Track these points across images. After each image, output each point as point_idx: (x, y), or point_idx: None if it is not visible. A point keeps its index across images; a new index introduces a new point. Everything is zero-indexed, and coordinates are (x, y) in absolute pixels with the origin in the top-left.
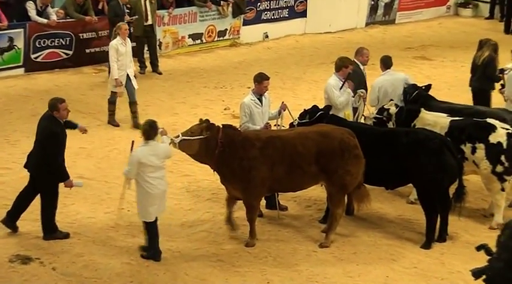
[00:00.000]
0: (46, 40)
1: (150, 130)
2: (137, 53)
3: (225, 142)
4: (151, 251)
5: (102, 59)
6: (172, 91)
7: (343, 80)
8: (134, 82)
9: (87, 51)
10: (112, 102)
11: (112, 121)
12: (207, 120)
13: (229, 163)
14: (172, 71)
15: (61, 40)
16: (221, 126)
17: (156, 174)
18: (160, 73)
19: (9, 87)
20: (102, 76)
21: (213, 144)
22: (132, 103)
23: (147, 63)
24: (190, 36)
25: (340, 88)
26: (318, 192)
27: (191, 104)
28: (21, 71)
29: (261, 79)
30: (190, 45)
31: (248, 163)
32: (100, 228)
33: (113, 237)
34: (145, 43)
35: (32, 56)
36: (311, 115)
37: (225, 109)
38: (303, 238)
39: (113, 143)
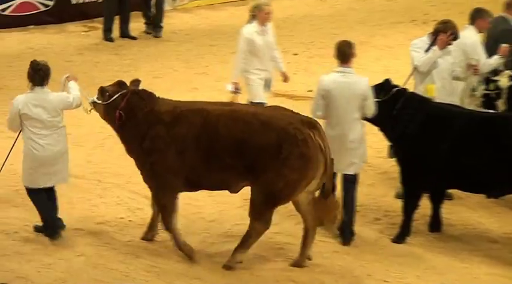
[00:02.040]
0: None
1: (34, 74)
2: (143, 5)
3: (126, 114)
4: (45, 227)
5: (94, 12)
6: (189, 58)
7: (434, 40)
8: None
9: (74, 1)
10: None
11: None
12: (136, 81)
13: (131, 142)
14: (191, 30)
15: None
16: (132, 91)
17: (44, 132)
18: (157, 37)
19: None
20: (93, 36)
21: (114, 115)
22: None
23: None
24: None
25: (427, 50)
26: (389, 198)
27: (215, 76)
28: None
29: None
30: None
31: (150, 144)
32: (90, 245)
33: (108, 258)
34: None
35: None
36: (384, 93)
37: None
38: (369, 263)
39: (109, 128)
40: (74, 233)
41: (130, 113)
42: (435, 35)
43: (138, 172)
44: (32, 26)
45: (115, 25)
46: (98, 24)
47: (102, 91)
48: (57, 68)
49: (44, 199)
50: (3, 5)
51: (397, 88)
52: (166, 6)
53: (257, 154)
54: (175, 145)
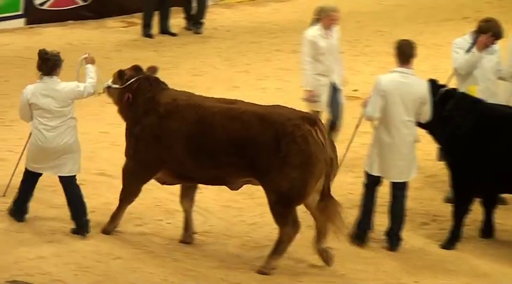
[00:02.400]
0: None
1: (42, 64)
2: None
3: (133, 98)
4: (14, 207)
5: (134, 7)
6: (231, 56)
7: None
8: (341, 95)
9: None
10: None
11: None
12: (153, 68)
13: (128, 126)
14: (232, 26)
15: None
16: (145, 76)
17: (52, 123)
18: (198, 33)
19: (5, 45)
20: (133, 31)
21: (124, 98)
22: (334, 127)
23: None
24: None
25: (468, 50)
26: (438, 202)
27: (258, 74)
28: (21, 22)
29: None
30: None
31: (139, 131)
32: (127, 248)
33: (146, 261)
34: None
35: (36, 2)
36: (431, 94)
37: None
38: (417, 269)
39: None
40: (110, 236)
41: (136, 97)
42: (477, 35)
43: None
44: (70, 21)
45: (155, 21)
46: (137, 19)
47: (120, 74)
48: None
49: (31, 183)
50: None
51: (445, 89)
52: (208, 1)
53: (256, 151)
54: (164, 138)
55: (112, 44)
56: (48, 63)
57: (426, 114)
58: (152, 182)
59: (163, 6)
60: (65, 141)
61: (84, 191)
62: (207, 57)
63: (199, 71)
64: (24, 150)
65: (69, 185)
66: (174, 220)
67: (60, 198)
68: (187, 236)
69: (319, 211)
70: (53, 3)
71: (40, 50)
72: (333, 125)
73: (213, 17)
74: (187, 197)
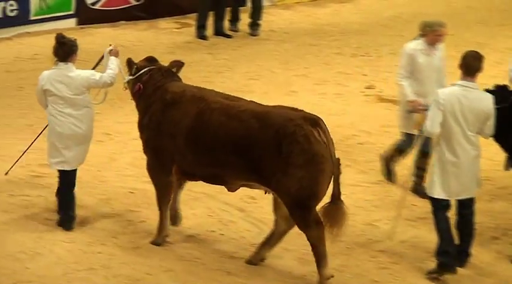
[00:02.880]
0: None
1: (58, 48)
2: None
3: (144, 89)
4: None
5: (188, 7)
6: (289, 59)
7: None
8: None
9: None
10: (400, 150)
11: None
12: (177, 62)
13: (139, 118)
14: (290, 28)
15: None
16: (157, 67)
17: (66, 110)
18: (254, 35)
19: None
20: (186, 33)
21: (135, 89)
22: (424, 157)
23: (244, 17)
24: None
25: None
26: (510, 215)
27: (316, 78)
28: (72, 22)
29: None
30: None
31: (147, 120)
32: (179, 260)
33: (198, 275)
34: None
35: (88, 1)
36: (499, 100)
37: (367, 88)
38: None
39: None
40: (161, 247)
41: (146, 87)
42: None
43: None
44: (122, 21)
45: (209, 22)
46: (191, 20)
47: (129, 63)
48: None
49: (66, 182)
50: None
51: None
52: (265, 2)
53: (256, 153)
54: (167, 126)
55: (165, 46)
56: (64, 48)
57: (489, 130)
58: (204, 191)
59: (219, 6)
60: (80, 131)
61: (134, 200)
62: (263, 60)
63: (255, 74)
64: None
65: (72, 175)
66: (227, 231)
67: (112, 207)
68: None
69: (325, 214)
70: (105, 3)
71: (57, 34)
72: (423, 155)
73: (270, 18)
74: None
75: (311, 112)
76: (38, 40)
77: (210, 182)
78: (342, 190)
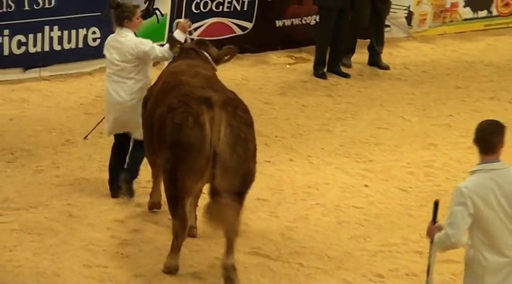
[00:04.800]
0: (209, 1)
1: (114, 12)
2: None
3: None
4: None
5: (303, 38)
6: (427, 104)
7: None
8: None
9: (278, 23)
10: None
11: None
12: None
13: None
14: (430, 66)
15: (234, 1)
16: (190, 47)
17: (116, 77)
18: (384, 68)
19: None
20: (301, 69)
21: None
22: None
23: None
24: (467, 2)
25: None
26: None
27: (463, 129)
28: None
29: None
30: (467, 19)
31: (147, 94)
32: None
33: None
34: (366, 11)
35: None
36: None
37: None
38: None
39: (318, 195)
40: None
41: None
42: None
43: (352, 254)
44: None
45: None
46: (307, 54)
47: (171, 40)
48: (253, 110)
49: (114, 150)
50: (193, 24)
51: None
52: (399, 33)
53: (154, 129)
54: (148, 102)
55: (275, 85)
56: (117, 12)
57: None
58: (321, 266)
59: (339, 39)
60: (128, 99)
61: None
62: (395, 104)
63: (384, 122)
64: None
65: (140, 147)
66: None
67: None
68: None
69: (206, 213)
70: (205, 31)
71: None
72: None
73: (405, 53)
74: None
75: (230, 95)
76: None
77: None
78: None
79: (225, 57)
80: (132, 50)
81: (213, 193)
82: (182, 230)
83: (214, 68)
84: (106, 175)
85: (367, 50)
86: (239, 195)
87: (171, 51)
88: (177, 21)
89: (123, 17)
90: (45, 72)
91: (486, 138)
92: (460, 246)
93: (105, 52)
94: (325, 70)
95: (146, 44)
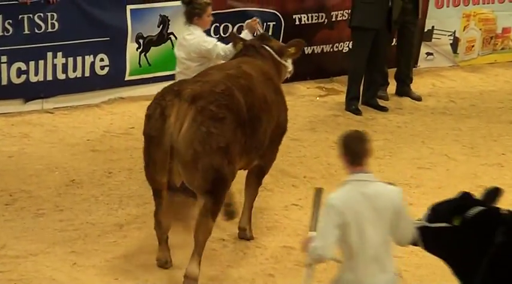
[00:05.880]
0: (229, 25)
1: (185, 8)
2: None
3: None
4: None
5: (335, 68)
6: (475, 142)
7: None
8: None
9: (306, 50)
10: None
11: None
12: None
13: None
14: (479, 98)
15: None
16: (251, 43)
17: (181, 76)
18: (416, 99)
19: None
20: (332, 102)
21: None
22: None
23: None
24: None
25: None
26: None
27: None
28: None
29: None
30: None
31: None
32: None
33: None
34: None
35: None
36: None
37: None
38: None
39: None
40: None
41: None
42: None
43: None
44: None
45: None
46: (340, 85)
47: (234, 37)
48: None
49: None
50: None
51: (484, 208)
52: (442, 61)
53: None
54: None
55: (303, 120)
56: (188, 8)
57: (406, 235)
58: None
59: (374, 69)
60: None
61: None
62: (438, 142)
63: (426, 161)
64: None
65: None
66: None
67: None
68: None
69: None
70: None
71: None
72: None
73: (450, 83)
74: None
75: (214, 89)
76: (135, 108)
77: None
78: None
79: (289, 50)
80: (196, 48)
81: (169, 188)
82: (157, 222)
83: (279, 61)
84: (115, 220)
85: (394, 78)
86: (208, 194)
87: (233, 48)
88: (246, 22)
89: (193, 14)
90: (48, 104)
91: (353, 150)
92: (328, 258)
93: (175, 49)
94: (359, 104)
95: (209, 42)
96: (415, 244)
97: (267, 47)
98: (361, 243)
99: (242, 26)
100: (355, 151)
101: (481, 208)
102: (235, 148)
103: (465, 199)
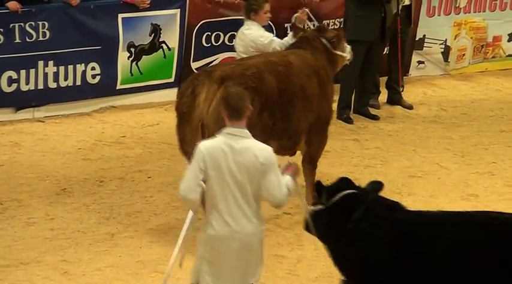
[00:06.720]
0: (221, 33)
1: (244, 4)
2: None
3: None
4: None
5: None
6: (466, 150)
7: None
8: None
9: None
10: None
11: None
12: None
13: None
14: (470, 107)
15: None
16: (306, 36)
17: None
18: (408, 107)
19: (152, 126)
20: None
21: None
22: None
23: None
24: (511, 36)
25: None
26: None
27: (508, 178)
28: (171, 93)
29: None
30: (511, 55)
31: None
32: None
33: None
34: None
35: (193, 65)
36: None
37: None
38: None
39: None
40: None
41: None
42: None
43: None
44: None
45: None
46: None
47: (295, 27)
48: None
49: None
50: (200, 60)
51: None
52: (434, 70)
53: None
54: None
55: None
56: (246, 4)
57: (274, 193)
58: None
59: (366, 77)
60: None
61: None
62: (430, 150)
63: (417, 170)
64: None
65: None
66: None
67: None
68: None
69: None
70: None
71: None
72: None
73: (441, 92)
74: None
75: (239, 71)
76: (126, 116)
77: None
78: None
79: (333, 40)
80: (253, 42)
81: None
82: None
83: (333, 53)
84: (106, 229)
85: (385, 87)
86: None
87: (294, 38)
88: (294, 15)
89: (250, 10)
90: (39, 112)
91: (231, 105)
92: (193, 201)
93: (235, 44)
94: (350, 113)
95: (266, 37)
96: (308, 229)
97: (322, 39)
98: (222, 194)
99: (234, 34)
100: (233, 106)
101: (350, 191)
102: (257, 130)
103: (342, 183)
